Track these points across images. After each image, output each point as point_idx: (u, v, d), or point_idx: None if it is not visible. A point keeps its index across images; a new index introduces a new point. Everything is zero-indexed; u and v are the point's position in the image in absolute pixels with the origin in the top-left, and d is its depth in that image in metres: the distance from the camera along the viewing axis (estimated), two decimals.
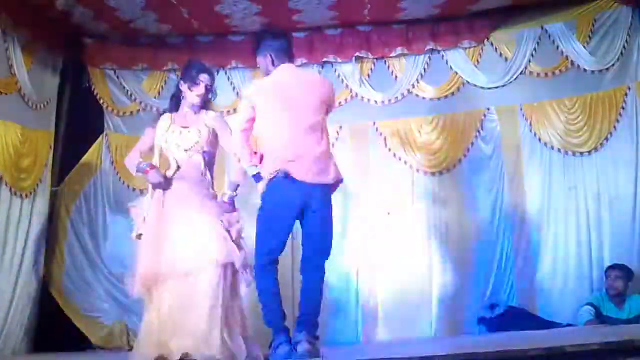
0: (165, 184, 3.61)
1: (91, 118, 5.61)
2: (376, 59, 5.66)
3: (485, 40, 5.55)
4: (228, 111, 5.60)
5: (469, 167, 5.48)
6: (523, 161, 5.40)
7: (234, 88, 5.66)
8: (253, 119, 3.34)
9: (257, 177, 3.32)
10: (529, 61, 5.43)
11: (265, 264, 3.29)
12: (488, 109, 5.51)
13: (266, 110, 3.31)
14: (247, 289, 3.61)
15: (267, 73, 3.47)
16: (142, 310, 3.59)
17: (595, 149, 5.25)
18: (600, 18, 5.29)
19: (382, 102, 5.62)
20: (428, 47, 5.56)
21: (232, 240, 3.56)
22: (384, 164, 5.57)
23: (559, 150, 5.33)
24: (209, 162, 3.69)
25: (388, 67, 5.68)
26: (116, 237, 5.39)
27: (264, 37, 3.54)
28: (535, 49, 5.43)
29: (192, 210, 3.55)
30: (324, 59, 5.64)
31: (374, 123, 5.62)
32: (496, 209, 5.35)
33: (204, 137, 3.64)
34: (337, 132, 5.60)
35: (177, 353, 3.32)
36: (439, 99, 5.59)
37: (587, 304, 4.80)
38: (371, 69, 5.69)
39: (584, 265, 5.13)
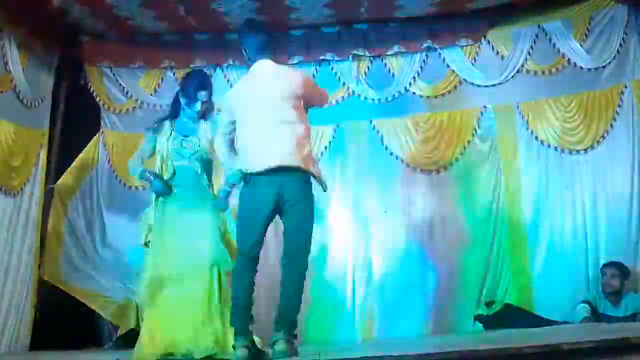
0: (167, 191, 3.80)
1: (87, 116, 5.60)
2: (373, 57, 5.66)
3: (482, 38, 5.55)
4: None
5: (465, 165, 5.48)
6: (520, 159, 5.40)
7: (231, 86, 5.64)
8: (234, 121, 3.34)
9: (238, 182, 3.37)
10: (526, 59, 5.44)
11: (241, 263, 3.28)
12: (485, 107, 5.51)
13: (240, 110, 3.32)
14: None
15: (248, 67, 3.48)
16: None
17: (592, 147, 5.26)
18: (597, 16, 5.29)
19: (379, 100, 5.62)
20: (425, 45, 5.56)
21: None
22: (381, 162, 5.56)
23: (555, 148, 5.33)
24: (208, 169, 3.86)
25: (385, 65, 5.67)
26: (113, 234, 5.40)
27: (241, 33, 3.53)
28: (532, 47, 5.44)
29: (191, 216, 3.73)
30: (321, 57, 5.64)
31: (371, 121, 5.62)
32: (493, 207, 5.35)
33: (203, 145, 3.80)
34: (334, 130, 5.61)
35: (177, 352, 3.50)
36: (435, 97, 5.59)
37: (583, 301, 4.81)
38: (368, 67, 5.68)
39: (580, 263, 5.14)
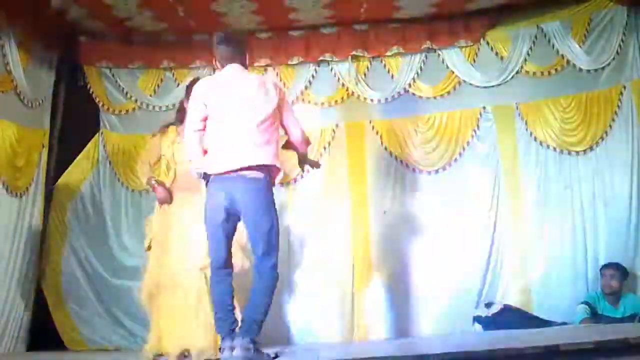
0: (170, 199, 3.94)
1: (87, 116, 5.59)
2: (372, 57, 5.65)
3: (482, 39, 5.55)
4: None
5: (464, 166, 5.48)
6: (519, 160, 5.40)
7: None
8: (206, 118, 3.36)
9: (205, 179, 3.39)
10: (525, 60, 5.44)
11: (215, 270, 3.29)
12: (484, 108, 5.52)
13: (210, 109, 3.34)
14: None
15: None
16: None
17: (591, 148, 5.26)
18: (596, 18, 5.30)
19: (379, 100, 5.62)
20: (424, 46, 5.56)
21: None
22: (380, 163, 5.56)
23: (554, 149, 5.34)
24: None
25: (384, 65, 5.67)
26: (113, 235, 5.40)
27: (214, 39, 3.57)
28: (531, 48, 5.44)
29: (190, 221, 3.80)
30: (321, 58, 5.63)
31: (370, 122, 5.62)
32: (492, 207, 5.35)
33: None
34: (334, 131, 5.61)
35: (175, 352, 3.62)
36: (435, 97, 5.59)
37: (583, 302, 4.81)
38: (367, 68, 5.68)
39: (579, 264, 5.14)
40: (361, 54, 5.62)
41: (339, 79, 5.66)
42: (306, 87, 5.66)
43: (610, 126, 5.23)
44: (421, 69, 5.61)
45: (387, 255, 5.39)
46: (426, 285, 5.29)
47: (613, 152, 5.18)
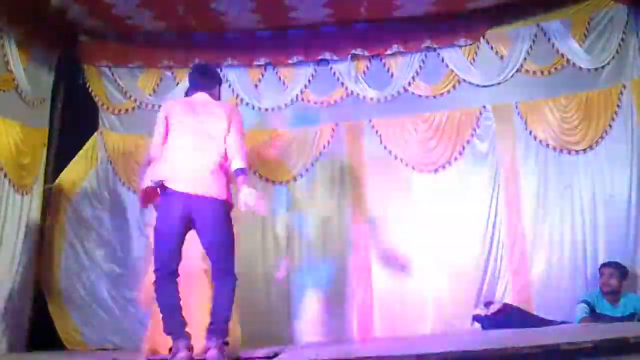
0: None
1: (86, 115, 5.59)
2: (372, 56, 5.65)
3: (481, 38, 5.55)
4: None
5: (464, 165, 5.48)
6: (518, 159, 5.40)
7: (229, 85, 5.65)
8: (167, 133, 3.50)
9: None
10: (525, 59, 5.44)
11: (160, 277, 3.34)
12: (484, 107, 5.51)
13: (176, 125, 3.49)
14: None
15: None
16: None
17: (591, 147, 5.26)
18: (596, 16, 5.30)
19: (378, 99, 5.62)
20: (424, 44, 5.56)
21: None
22: (380, 162, 5.56)
23: (554, 148, 5.34)
24: None
25: (384, 64, 5.67)
26: (112, 234, 5.40)
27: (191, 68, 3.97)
28: (531, 47, 5.44)
29: None
30: (320, 57, 5.64)
31: (370, 120, 5.62)
32: (491, 206, 5.35)
33: None
34: (333, 130, 5.61)
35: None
36: (434, 96, 5.59)
37: (582, 301, 4.81)
38: (367, 67, 5.68)
39: (578, 263, 5.14)
40: (361, 53, 5.62)
41: (338, 78, 5.66)
42: (305, 86, 5.66)
43: (610, 125, 5.23)
44: (421, 68, 5.62)
45: (386, 253, 5.38)
46: (425, 285, 5.29)
47: (613, 151, 5.18)
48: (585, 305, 4.76)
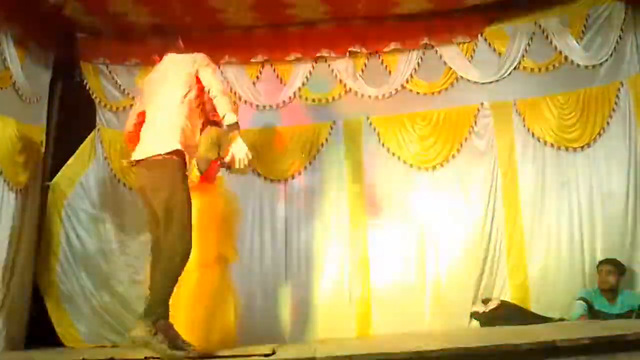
0: None
1: (83, 113, 5.57)
2: (370, 53, 5.65)
3: (479, 35, 5.55)
4: None
5: (462, 162, 5.48)
6: (516, 156, 5.40)
7: (227, 83, 5.65)
8: (140, 114, 3.57)
9: None
10: (523, 56, 5.44)
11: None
12: (482, 104, 5.51)
13: (143, 100, 3.59)
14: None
15: None
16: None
17: (589, 144, 5.26)
18: (594, 13, 5.30)
19: (376, 97, 5.61)
20: (422, 42, 5.55)
21: None
22: (378, 159, 5.56)
23: (552, 145, 5.34)
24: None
25: (382, 62, 5.66)
26: (110, 232, 5.39)
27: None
28: (529, 45, 5.44)
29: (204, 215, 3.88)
30: (318, 54, 5.63)
31: (368, 118, 5.61)
32: (489, 204, 5.35)
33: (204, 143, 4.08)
34: (331, 127, 5.61)
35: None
36: (432, 94, 5.58)
37: (580, 298, 4.82)
38: (365, 64, 5.67)
39: (576, 261, 5.14)
40: (359, 50, 5.61)
41: (336, 75, 5.65)
42: (303, 84, 5.65)
43: (608, 122, 5.23)
44: (419, 65, 5.61)
45: (383, 251, 5.38)
46: (424, 281, 5.30)
47: (610, 148, 5.19)
48: (583, 303, 4.77)
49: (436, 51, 5.60)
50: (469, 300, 5.17)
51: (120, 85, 5.61)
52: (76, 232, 5.33)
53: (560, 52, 5.36)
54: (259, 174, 5.53)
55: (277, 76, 5.67)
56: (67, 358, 4.40)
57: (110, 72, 5.61)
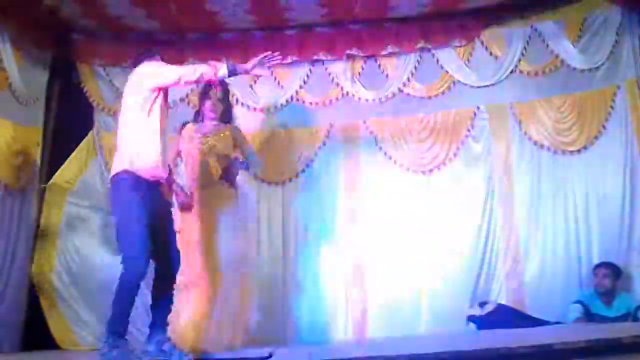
0: (191, 206, 4.15)
1: (80, 115, 5.56)
2: (367, 57, 5.64)
3: (476, 39, 5.56)
4: None
5: (459, 165, 5.48)
6: (513, 160, 5.41)
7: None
8: None
9: None
10: (519, 60, 5.44)
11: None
12: (478, 107, 5.52)
13: None
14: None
15: None
16: None
17: (585, 147, 5.27)
18: (590, 17, 5.32)
19: (373, 100, 5.61)
20: (419, 45, 5.55)
21: None
22: (374, 163, 5.56)
23: (548, 148, 5.35)
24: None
25: (379, 65, 5.66)
26: (106, 234, 5.37)
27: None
28: (525, 48, 5.45)
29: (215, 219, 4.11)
30: (315, 57, 5.62)
31: (365, 121, 5.61)
32: (486, 207, 5.36)
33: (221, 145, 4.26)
34: (328, 131, 5.60)
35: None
36: (429, 97, 5.59)
37: (576, 302, 4.83)
38: (362, 67, 5.67)
39: (572, 264, 5.15)
40: (356, 54, 5.61)
41: (333, 78, 5.65)
42: (300, 87, 5.64)
43: (604, 126, 5.24)
44: (415, 69, 5.61)
45: (380, 254, 5.38)
46: (419, 285, 5.29)
47: (607, 151, 5.20)
48: (579, 306, 4.78)
49: (433, 54, 5.60)
50: (466, 304, 5.16)
51: (117, 88, 5.58)
52: (73, 235, 5.32)
53: (557, 56, 5.38)
54: (255, 177, 5.53)
55: (275, 79, 5.67)
56: None
57: (107, 74, 5.60)
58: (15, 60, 4.85)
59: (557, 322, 4.80)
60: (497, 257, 5.29)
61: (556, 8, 5.38)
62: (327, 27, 5.59)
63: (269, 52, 3.75)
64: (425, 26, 5.53)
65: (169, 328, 3.61)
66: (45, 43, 5.31)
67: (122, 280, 3.34)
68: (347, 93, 5.64)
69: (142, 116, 3.47)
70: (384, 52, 5.60)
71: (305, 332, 5.19)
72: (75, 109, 5.55)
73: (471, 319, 5.06)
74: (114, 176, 3.45)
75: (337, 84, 5.64)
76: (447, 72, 5.57)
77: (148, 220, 3.36)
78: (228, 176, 4.23)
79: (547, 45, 5.40)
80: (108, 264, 5.27)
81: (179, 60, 5.50)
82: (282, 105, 5.65)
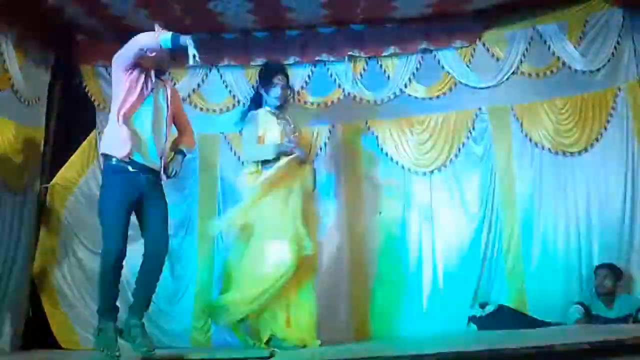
0: None
1: (82, 115, 5.57)
2: (369, 58, 5.65)
3: (478, 40, 5.56)
4: (221, 109, 5.63)
5: (460, 167, 5.49)
6: (514, 161, 5.41)
7: (226, 86, 5.66)
8: None
9: None
10: (521, 61, 5.45)
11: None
12: (480, 109, 5.52)
13: None
14: None
15: None
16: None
17: (586, 149, 5.28)
18: (592, 19, 5.32)
19: (375, 101, 5.62)
20: (420, 46, 5.56)
21: None
22: (376, 163, 5.57)
23: (549, 150, 5.35)
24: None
25: (381, 66, 5.67)
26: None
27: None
28: (527, 50, 5.45)
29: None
30: (317, 58, 5.63)
31: (366, 122, 5.62)
32: (487, 208, 5.36)
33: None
34: (329, 131, 5.61)
35: None
36: (430, 98, 5.59)
37: (577, 303, 4.83)
38: (364, 68, 5.68)
39: (573, 265, 5.15)
40: (357, 54, 5.62)
41: (335, 79, 5.66)
42: (302, 87, 5.65)
43: (605, 128, 5.24)
44: (417, 70, 5.62)
45: (381, 255, 5.38)
46: (421, 285, 5.30)
47: (608, 153, 5.20)
48: (580, 307, 4.78)
49: (434, 56, 5.61)
50: (467, 304, 5.17)
51: None
52: (74, 235, 5.32)
53: (558, 58, 5.38)
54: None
55: None
56: None
57: (109, 74, 5.57)
58: (17, 60, 4.86)
59: (558, 323, 4.80)
60: (497, 257, 5.29)
61: (558, 10, 5.38)
62: (329, 27, 5.59)
63: None
64: (427, 27, 5.54)
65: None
66: (48, 43, 5.32)
67: (100, 264, 3.58)
68: (349, 94, 5.64)
69: (116, 103, 3.62)
70: (385, 53, 5.60)
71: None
72: (77, 109, 5.55)
73: (472, 319, 5.06)
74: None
75: (339, 85, 5.65)
76: (448, 73, 5.57)
77: (123, 206, 3.55)
78: None
79: (549, 47, 5.40)
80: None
81: (180, 61, 5.52)
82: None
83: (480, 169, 5.47)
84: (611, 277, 4.81)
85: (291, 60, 5.59)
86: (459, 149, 5.49)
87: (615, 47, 5.22)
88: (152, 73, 3.69)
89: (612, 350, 2.87)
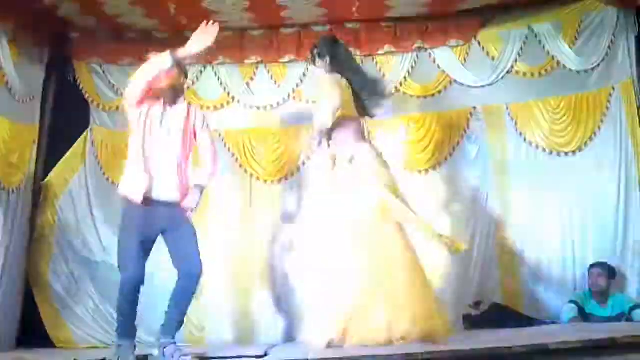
0: None
1: (76, 112, 5.55)
2: (364, 56, 5.64)
3: (473, 39, 5.57)
4: (215, 107, 5.61)
5: (454, 165, 5.50)
6: (508, 160, 5.43)
7: (221, 83, 5.65)
8: None
9: None
10: (516, 61, 5.46)
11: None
12: (474, 108, 5.53)
13: None
14: None
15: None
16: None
17: (580, 148, 5.29)
18: (587, 19, 5.34)
19: None
20: (416, 45, 5.57)
21: None
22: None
23: (544, 149, 5.37)
24: None
25: (376, 64, 5.67)
26: (102, 232, 5.36)
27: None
28: (521, 49, 5.46)
29: None
30: None
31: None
32: (481, 207, 5.37)
33: None
34: None
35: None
36: (425, 97, 5.59)
37: (571, 301, 4.85)
38: None
39: (567, 264, 5.17)
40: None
41: None
42: (297, 85, 5.65)
43: (599, 127, 5.26)
44: (412, 69, 5.62)
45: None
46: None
47: (602, 152, 5.22)
48: (574, 305, 4.80)
49: (430, 54, 5.61)
50: (461, 303, 5.17)
51: (113, 85, 5.58)
52: (68, 232, 5.31)
53: (553, 57, 5.39)
54: (250, 175, 5.53)
55: (272, 77, 5.66)
56: (58, 359, 4.39)
57: (103, 71, 5.60)
58: (12, 58, 4.84)
59: (552, 322, 4.82)
60: (492, 256, 5.30)
61: (552, 9, 5.40)
62: (325, 26, 5.59)
63: None
64: (422, 26, 5.55)
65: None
66: (43, 41, 5.30)
67: (119, 291, 3.57)
68: None
69: (132, 140, 3.69)
70: (381, 52, 5.60)
71: (301, 330, 5.19)
72: (71, 107, 5.53)
73: (466, 318, 5.07)
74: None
75: None
76: (443, 72, 5.58)
77: (141, 247, 3.53)
78: None
79: (544, 47, 5.42)
80: (103, 262, 5.29)
81: None
82: (279, 103, 5.64)
83: (475, 167, 5.47)
84: (604, 276, 4.83)
85: (286, 58, 5.59)
86: (454, 148, 5.50)
87: (609, 47, 5.24)
88: (167, 102, 3.71)
89: (605, 349, 2.88)
